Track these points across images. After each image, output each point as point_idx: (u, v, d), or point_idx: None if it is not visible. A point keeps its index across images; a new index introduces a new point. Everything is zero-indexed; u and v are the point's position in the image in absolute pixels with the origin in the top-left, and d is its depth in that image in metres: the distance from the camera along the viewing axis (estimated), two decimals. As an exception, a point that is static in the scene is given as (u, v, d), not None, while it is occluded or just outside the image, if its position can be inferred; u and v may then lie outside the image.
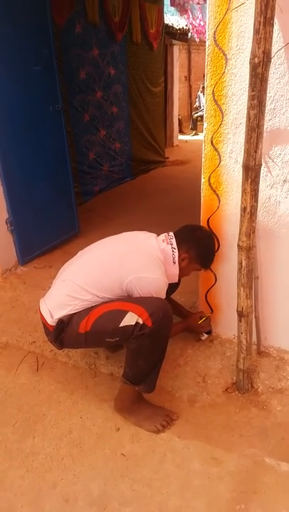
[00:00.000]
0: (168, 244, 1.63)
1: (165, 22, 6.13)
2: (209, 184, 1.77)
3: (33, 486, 1.39)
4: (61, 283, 1.62)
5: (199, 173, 1.78)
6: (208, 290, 1.99)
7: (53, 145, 2.91)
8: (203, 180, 1.78)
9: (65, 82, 3.64)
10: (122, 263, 1.54)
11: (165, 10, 6.15)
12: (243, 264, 1.56)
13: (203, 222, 1.86)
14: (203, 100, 1.62)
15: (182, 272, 1.68)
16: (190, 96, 11.74)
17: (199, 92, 10.11)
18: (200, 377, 1.82)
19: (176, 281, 1.69)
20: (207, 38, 1.51)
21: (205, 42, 1.54)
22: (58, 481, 1.41)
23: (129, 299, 1.51)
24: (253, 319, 1.73)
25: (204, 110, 1.66)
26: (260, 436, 1.53)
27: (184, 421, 1.61)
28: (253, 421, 1.60)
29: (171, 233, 1.68)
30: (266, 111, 1.43)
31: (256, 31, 1.25)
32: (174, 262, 1.62)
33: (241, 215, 1.51)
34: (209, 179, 1.76)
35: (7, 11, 2.37)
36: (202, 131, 1.70)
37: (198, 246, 1.68)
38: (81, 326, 1.50)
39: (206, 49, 1.53)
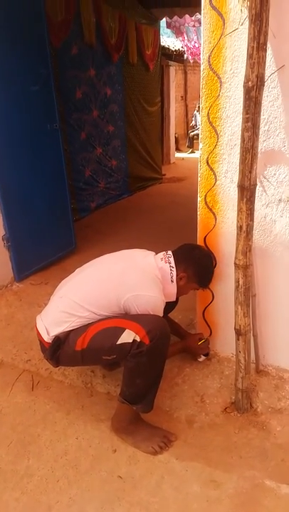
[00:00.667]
0: (166, 262, 1.63)
1: (161, 44, 6.29)
2: (205, 203, 1.79)
3: (28, 509, 1.36)
4: (58, 299, 1.61)
5: (196, 189, 1.80)
6: (206, 308, 1.99)
7: (50, 162, 2.94)
8: (199, 199, 1.80)
9: (61, 101, 3.70)
10: (120, 281, 1.54)
11: (161, 32, 6.34)
12: (240, 282, 1.56)
13: (199, 241, 1.87)
14: (199, 119, 1.66)
15: (180, 291, 1.68)
16: (186, 115, 11.99)
17: (195, 111, 10.33)
18: (198, 397, 1.80)
19: (174, 299, 1.69)
20: (202, 61, 1.55)
21: (200, 63, 1.58)
22: (53, 504, 1.37)
23: (127, 316, 1.50)
24: (251, 337, 1.72)
25: (200, 131, 1.69)
26: (259, 458, 1.51)
27: (183, 442, 1.59)
28: (253, 442, 1.58)
29: (170, 252, 1.69)
30: (260, 132, 1.46)
31: (250, 56, 1.28)
32: (172, 281, 1.62)
33: (237, 233, 1.52)
34: (205, 198, 1.78)
35: (5, 33, 2.42)
36: (198, 149, 1.73)
37: (197, 265, 1.68)
38: (78, 343, 1.49)
39: (201, 72, 1.57)
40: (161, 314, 1.55)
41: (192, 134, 10.15)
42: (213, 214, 1.80)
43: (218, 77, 1.53)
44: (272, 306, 1.83)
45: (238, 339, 1.64)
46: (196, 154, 1.56)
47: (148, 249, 1.75)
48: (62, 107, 3.69)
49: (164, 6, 5.24)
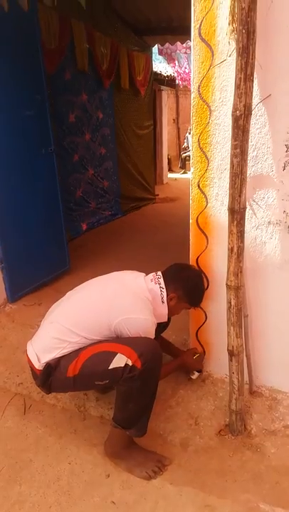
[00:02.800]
0: (156, 283, 1.64)
1: (153, 69, 6.48)
2: (197, 225, 1.82)
3: None
4: (49, 325, 1.60)
5: (188, 210, 1.83)
6: (199, 328, 2.00)
7: (45, 185, 2.98)
8: (191, 220, 1.83)
9: (55, 125, 3.78)
10: (110, 304, 1.54)
11: (154, 58, 6.55)
12: (232, 303, 1.58)
13: (192, 261, 1.89)
14: (191, 141, 1.71)
15: (171, 311, 1.69)
16: (178, 137, 12.26)
17: (187, 134, 10.56)
18: (192, 419, 1.79)
19: (166, 320, 1.70)
20: (192, 90, 1.61)
21: (190, 88, 1.64)
22: (46, 534, 1.34)
23: (118, 340, 1.50)
24: (244, 358, 1.73)
25: (191, 156, 1.74)
26: (254, 481, 1.50)
27: (177, 466, 1.57)
28: (247, 465, 1.57)
29: (160, 273, 1.70)
30: (249, 158, 1.51)
31: (237, 86, 1.35)
32: (163, 302, 1.63)
33: (229, 255, 1.56)
34: (197, 220, 1.81)
35: (2, 60, 2.50)
36: (190, 170, 1.77)
37: (187, 285, 1.69)
38: (69, 369, 1.48)
39: (192, 101, 1.63)
40: (152, 336, 1.55)
41: (184, 155, 10.35)
42: (205, 235, 1.83)
43: (208, 106, 1.59)
44: (264, 327, 1.85)
45: (231, 360, 1.64)
46: (188, 175, 1.61)
47: (142, 270, 1.76)
48: (55, 130, 3.76)
49: (155, 33, 5.42)
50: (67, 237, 3.58)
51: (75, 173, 4.48)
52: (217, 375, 2.03)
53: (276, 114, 1.51)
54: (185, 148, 10.66)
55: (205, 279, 1.85)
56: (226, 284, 1.58)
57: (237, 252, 1.54)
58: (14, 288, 2.84)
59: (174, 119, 11.97)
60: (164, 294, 1.63)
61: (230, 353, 1.63)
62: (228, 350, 1.64)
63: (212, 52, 1.51)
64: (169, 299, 1.65)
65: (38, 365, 1.53)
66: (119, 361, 1.40)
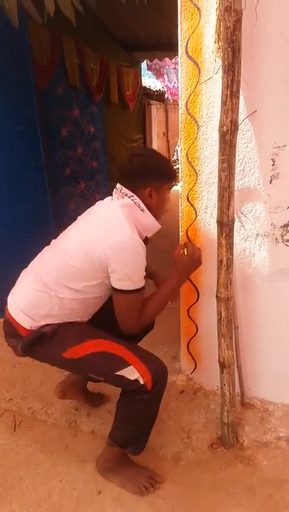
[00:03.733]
0: (123, 197, 1.43)
1: (143, 84, 6.60)
2: (187, 237, 1.84)
3: None
4: (33, 279, 1.48)
5: (178, 220, 1.84)
6: (190, 340, 2.00)
7: (35, 199, 2.99)
8: (181, 233, 1.85)
9: (47, 139, 3.81)
10: (87, 242, 1.40)
11: (143, 73, 6.66)
12: (223, 314, 1.59)
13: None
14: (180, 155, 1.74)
15: (157, 209, 1.50)
16: (168, 150, 12.40)
17: (177, 147, 10.70)
18: (184, 433, 1.78)
19: (159, 227, 1.52)
20: (180, 106, 1.65)
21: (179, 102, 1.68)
22: None
23: (133, 349, 1.42)
24: (236, 370, 1.73)
25: (180, 170, 1.76)
26: (247, 494, 1.49)
27: (169, 481, 1.55)
28: (240, 478, 1.56)
29: (118, 185, 1.47)
30: (236, 172, 1.54)
31: (224, 103, 1.38)
32: (142, 209, 1.43)
33: (218, 267, 1.57)
34: (187, 232, 1.83)
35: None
36: (179, 183, 1.78)
37: (151, 168, 1.45)
38: (69, 350, 1.40)
39: (180, 116, 1.66)
40: (143, 259, 1.40)
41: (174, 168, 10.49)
42: (195, 248, 1.84)
43: (196, 121, 1.62)
44: (255, 338, 1.86)
45: (223, 372, 1.65)
46: (178, 187, 1.62)
47: (107, 197, 1.59)
48: (47, 144, 3.79)
49: (145, 49, 5.53)
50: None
51: (67, 186, 4.50)
52: (209, 387, 2.03)
53: (262, 129, 1.55)
54: (175, 161, 10.78)
55: (157, 152, 1.64)
56: (216, 295, 1.59)
57: (226, 264, 1.56)
58: (2, 301, 2.81)
59: (163, 133, 12.12)
60: (138, 200, 1.43)
61: (222, 365, 1.64)
62: (219, 362, 1.64)
63: (199, 69, 1.55)
64: (148, 196, 1.45)
65: (27, 324, 1.43)
66: (131, 373, 1.36)
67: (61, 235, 1.57)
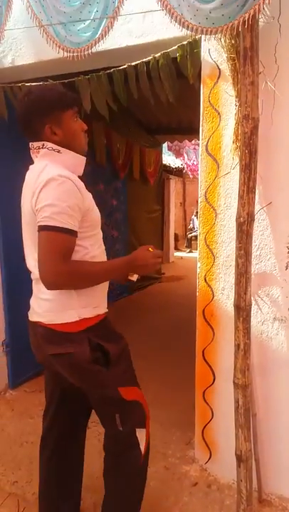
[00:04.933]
0: (38, 152, 1.34)
1: (163, 162, 7.06)
2: (204, 316, 1.85)
3: None
4: (36, 282, 1.38)
5: (194, 289, 1.87)
6: (205, 426, 1.91)
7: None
8: (197, 312, 1.87)
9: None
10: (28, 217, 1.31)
11: (163, 152, 7.15)
12: (240, 402, 1.55)
13: (198, 353, 1.89)
14: (197, 222, 1.82)
15: (70, 142, 1.35)
16: (185, 218, 12.88)
17: (193, 216, 11.10)
18: (197, 533, 1.64)
19: (82, 157, 1.40)
20: (199, 195, 1.76)
21: (197, 177, 1.78)
22: None
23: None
24: (253, 462, 1.63)
25: (198, 252, 1.83)
26: None
27: None
28: None
29: (30, 144, 1.37)
30: (253, 256, 1.59)
31: (240, 197, 1.48)
32: (58, 150, 1.32)
33: (235, 351, 1.56)
34: (203, 312, 1.85)
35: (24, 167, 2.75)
36: (196, 249, 1.83)
37: (36, 106, 1.31)
38: (125, 388, 1.38)
39: (199, 204, 1.77)
40: (75, 196, 1.25)
41: (190, 235, 10.76)
42: (211, 328, 1.85)
43: (214, 209, 1.72)
44: (274, 428, 1.77)
45: (240, 466, 1.56)
46: (194, 254, 1.66)
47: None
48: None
49: (166, 133, 6.00)
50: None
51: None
52: (224, 479, 1.89)
53: (277, 219, 1.63)
54: (191, 229, 11.11)
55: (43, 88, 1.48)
56: (233, 381, 1.56)
57: (244, 349, 1.55)
58: (17, 373, 2.79)
59: (180, 203, 12.69)
60: (50, 144, 1.32)
61: (239, 458, 1.55)
62: (236, 454, 1.56)
63: (218, 164, 1.68)
64: (52, 134, 1.32)
65: (72, 317, 1.30)
66: (141, 435, 1.40)
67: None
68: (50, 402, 1.54)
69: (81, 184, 1.30)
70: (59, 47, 1.67)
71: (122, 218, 5.42)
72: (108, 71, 1.88)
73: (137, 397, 1.42)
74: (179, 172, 8.91)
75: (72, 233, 1.24)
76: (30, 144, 1.36)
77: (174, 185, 9.00)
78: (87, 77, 1.91)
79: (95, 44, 1.60)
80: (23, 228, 1.41)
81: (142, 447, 1.40)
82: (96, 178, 4.61)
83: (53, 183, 1.21)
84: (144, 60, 1.74)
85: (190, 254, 10.12)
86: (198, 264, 1.84)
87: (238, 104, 1.53)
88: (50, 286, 1.24)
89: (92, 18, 1.58)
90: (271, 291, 1.70)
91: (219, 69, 1.61)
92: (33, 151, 1.36)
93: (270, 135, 1.57)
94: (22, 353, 2.79)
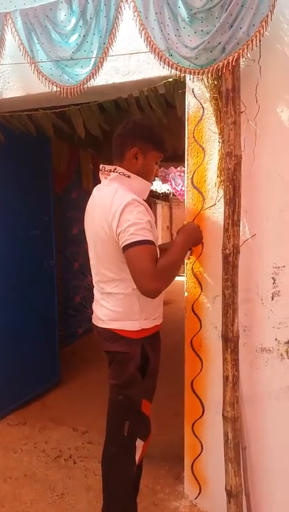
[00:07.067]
0: (108, 175, 1.50)
1: (150, 187, 7.19)
2: (191, 346, 1.85)
3: None
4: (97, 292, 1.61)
5: (182, 314, 1.87)
6: (194, 460, 1.88)
7: (42, 297, 3.06)
8: (185, 342, 1.86)
9: (60, 237, 4.04)
10: (99, 236, 1.50)
11: (150, 177, 7.29)
12: (229, 436, 1.53)
13: (187, 384, 1.87)
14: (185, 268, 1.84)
15: (144, 170, 1.51)
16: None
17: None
18: None
19: (151, 184, 1.60)
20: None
21: (183, 200, 1.82)
22: None
23: None
24: (244, 497, 1.60)
25: (185, 282, 1.84)
26: None
27: None
28: None
29: (101, 165, 1.56)
30: (239, 288, 1.61)
31: (226, 230, 1.51)
32: (129, 176, 1.46)
33: (224, 383, 1.56)
34: (191, 342, 1.85)
35: (17, 184, 2.78)
36: (184, 272, 1.83)
37: (139, 129, 1.50)
38: (143, 402, 1.50)
39: (185, 235, 1.79)
40: (147, 214, 1.40)
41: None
42: (200, 358, 1.84)
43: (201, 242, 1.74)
44: (264, 461, 1.74)
45: (230, 502, 1.53)
46: (182, 277, 1.67)
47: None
48: (59, 242, 4.01)
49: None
50: (61, 344, 3.56)
51: (75, 280, 4.65)
52: (215, 515, 1.85)
53: (262, 250, 1.66)
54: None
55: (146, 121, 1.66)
56: (223, 414, 1.55)
57: (232, 381, 1.55)
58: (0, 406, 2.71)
59: (167, 226, 12.82)
60: (121, 169, 1.47)
61: (229, 494, 1.52)
62: (226, 490, 1.53)
63: (203, 197, 1.72)
64: (133, 157, 1.48)
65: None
66: (139, 445, 1.48)
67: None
68: None
69: (147, 206, 1.44)
70: (52, 83, 1.70)
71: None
72: (98, 102, 1.98)
73: (149, 413, 1.53)
74: (165, 197, 9.05)
75: (154, 244, 1.41)
76: (101, 166, 1.53)
77: (160, 209, 9.14)
78: (77, 107, 1.99)
79: (87, 82, 1.65)
80: (89, 243, 1.65)
81: (137, 457, 1.48)
82: (82, 203, 4.62)
83: (131, 207, 1.35)
84: (134, 94, 1.86)
85: (178, 278, 10.15)
86: (186, 294, 1.85)
87: (221, 141, 1.58)
88: (154, 294, 1.40)
89: (86, 57, 1.62)
90: (259, 322, 1.71)
91: (203, 107, 1.67)
92: (102, 172, 1.53)
93: (253, 170, 1.62)
94: (3, 385, 2.73)
